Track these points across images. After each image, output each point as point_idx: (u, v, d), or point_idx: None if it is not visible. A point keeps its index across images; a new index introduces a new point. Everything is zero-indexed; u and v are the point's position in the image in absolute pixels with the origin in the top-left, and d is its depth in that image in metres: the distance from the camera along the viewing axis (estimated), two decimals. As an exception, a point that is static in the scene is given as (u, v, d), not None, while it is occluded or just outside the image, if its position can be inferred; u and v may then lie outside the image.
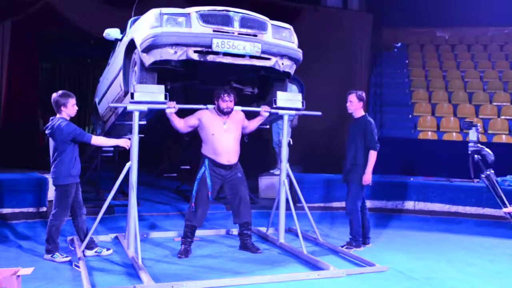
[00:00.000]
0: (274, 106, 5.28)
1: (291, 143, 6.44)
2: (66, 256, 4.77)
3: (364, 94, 5.56)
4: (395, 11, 12.25)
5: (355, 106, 5.46)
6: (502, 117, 9.93)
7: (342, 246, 5.44)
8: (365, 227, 5.59)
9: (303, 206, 5.60)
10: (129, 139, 4.89)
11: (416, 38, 13.45)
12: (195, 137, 5.51)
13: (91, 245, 5.00)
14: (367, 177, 5.37)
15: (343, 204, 6.12)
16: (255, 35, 4.80)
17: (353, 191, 5.44)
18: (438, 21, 13.09)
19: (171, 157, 9.05)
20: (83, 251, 4.86)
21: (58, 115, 4.79)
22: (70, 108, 4.78)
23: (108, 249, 5.10)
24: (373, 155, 5.36)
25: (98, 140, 4.94)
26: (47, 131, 4.76)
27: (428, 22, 13.23)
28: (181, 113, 5.06)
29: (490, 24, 13.17)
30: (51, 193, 6.47)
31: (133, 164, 4.84)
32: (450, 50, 12.93)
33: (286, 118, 5.48)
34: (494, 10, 12.13)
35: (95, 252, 5.00)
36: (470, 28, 13.35)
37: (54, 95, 4.79)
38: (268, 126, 6.20)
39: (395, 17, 12.38)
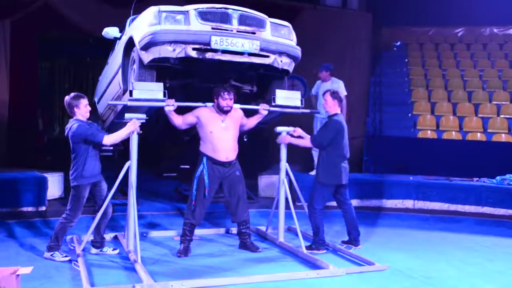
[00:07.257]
0: (273, 104, 5.28)
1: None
2: (66, 256, 4.77)
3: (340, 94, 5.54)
4: (394, 10, 12.24)
5: (330, 105, 5.39)
6: (502, 116, 9.92)
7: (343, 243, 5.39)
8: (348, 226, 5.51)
9: (302, 205, 5.59)
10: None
11: (416, 37, 13.44)
12: (194, 136, 5.50)
13: (96, 244, 5.02)
14: (283, 138, 5.42)
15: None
16: (254, 33, 4.79)
17: (313, 189, 5.37)
18: (437, 20, 13.09)
19: (171, 156, 9.05)
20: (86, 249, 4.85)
21: (73, 117, 4.78)
22: (83, 108, 4.76)
23: (114, 249, 5.10)
24: (306, 142, 5.38)
25: (110, 138, 4.70)
26: (65, 134, 4.74)
27: (428, 21, 13.24)
28: (180, 111, 5.05)
29: (489, 24, 13.18)
30: (50, 192, 6.51)
31: (132, 163, 4.83)
32: (450, 49, 12.92)
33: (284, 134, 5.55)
34: (494, 9, 12.13)
35: (100, 250, 5.01)
36: (470, 27, 13.36)
37: (67, 97, 4.78)
38: (266, 125, 6.19)
39: (395, 16, 12.37)
